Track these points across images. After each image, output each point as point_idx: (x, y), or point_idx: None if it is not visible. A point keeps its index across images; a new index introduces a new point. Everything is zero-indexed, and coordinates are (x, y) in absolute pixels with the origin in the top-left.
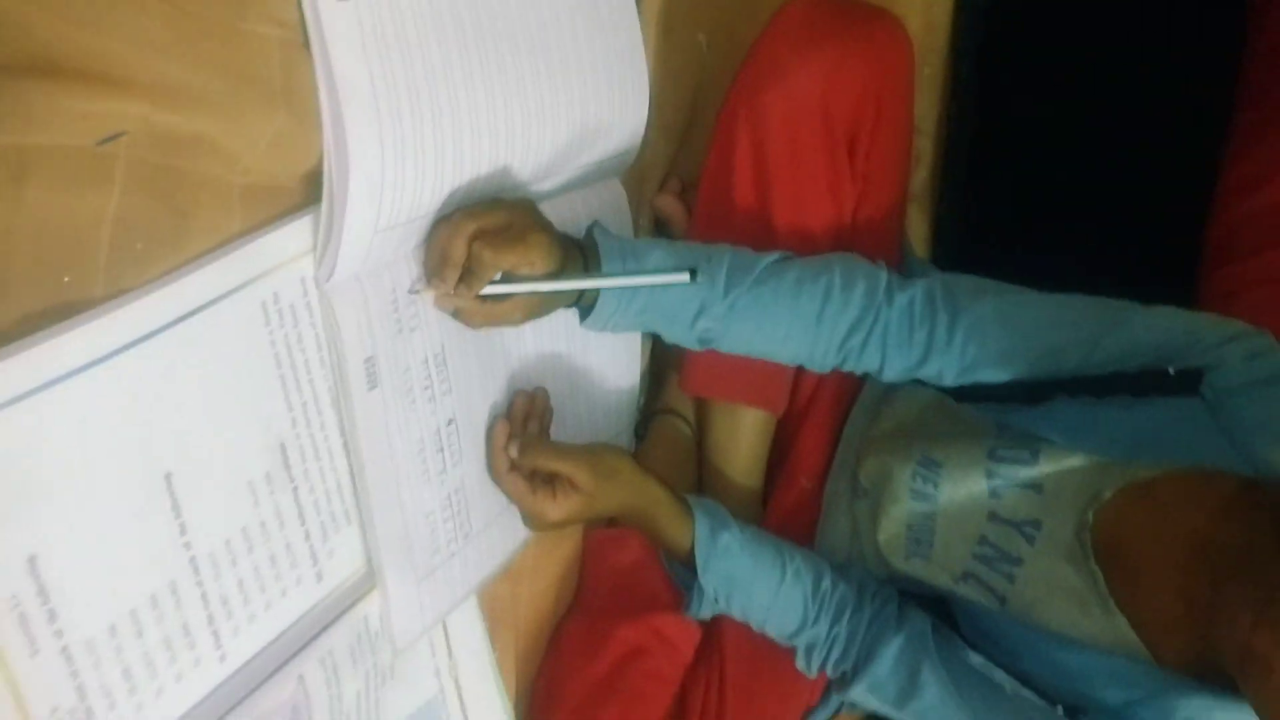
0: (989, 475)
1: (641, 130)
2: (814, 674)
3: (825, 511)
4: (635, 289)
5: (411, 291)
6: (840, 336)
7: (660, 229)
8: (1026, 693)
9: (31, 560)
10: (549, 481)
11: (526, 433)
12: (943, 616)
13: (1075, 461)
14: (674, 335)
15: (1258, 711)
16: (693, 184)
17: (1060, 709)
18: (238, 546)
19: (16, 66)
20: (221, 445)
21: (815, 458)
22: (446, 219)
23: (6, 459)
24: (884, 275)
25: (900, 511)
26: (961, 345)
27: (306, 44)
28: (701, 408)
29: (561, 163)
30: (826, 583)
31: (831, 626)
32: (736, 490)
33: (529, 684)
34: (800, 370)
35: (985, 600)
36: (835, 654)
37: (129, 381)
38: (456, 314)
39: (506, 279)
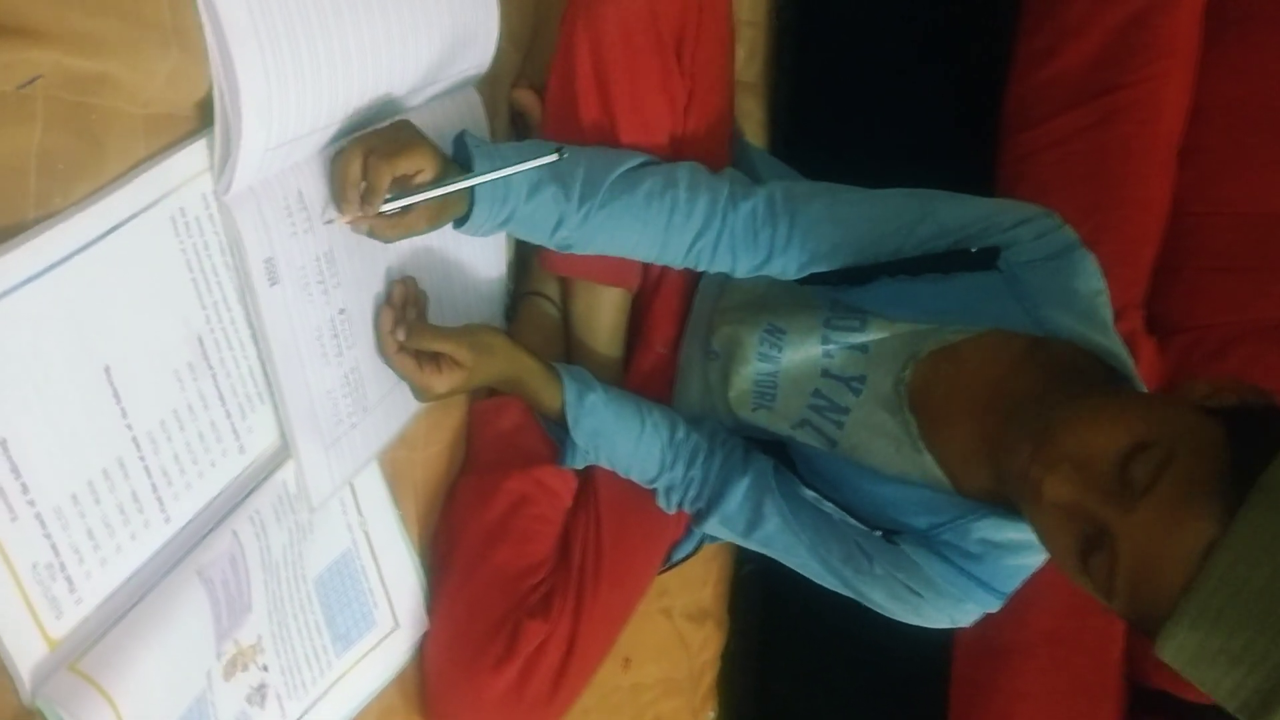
0: (824, 340)
1: (494, 42)
2: (672, 511)
3: (680, 374)
4: (505, 197)
5: (325, 222)
6: (686, 244)
7: (516, 125)
8: (851, 520)
9: (4, 443)
10: (434, 359)
11: (407, 318)
12: (782, 459)
13: (897, 329)
14: (536, 241)
15: (1032, 525)
16: (541, 88)
17: (879, 533)
18: (171, 426)
19: None
20: (148, 341)
21: (667, 327)
22: (338, 150)
23: None
24: (726, 186)
25: (748, 371)
26: (800, 244)
27: None
28: (565, 287)
29: (426, 78)
30: (681, 433)
31: (687, 470)
32: (600, 359)
33: (430, 535)
34: None
35: (818, 443)
36: (691, 493)
37: (67, 289)
38: (371, 233)
39: (403, 194)
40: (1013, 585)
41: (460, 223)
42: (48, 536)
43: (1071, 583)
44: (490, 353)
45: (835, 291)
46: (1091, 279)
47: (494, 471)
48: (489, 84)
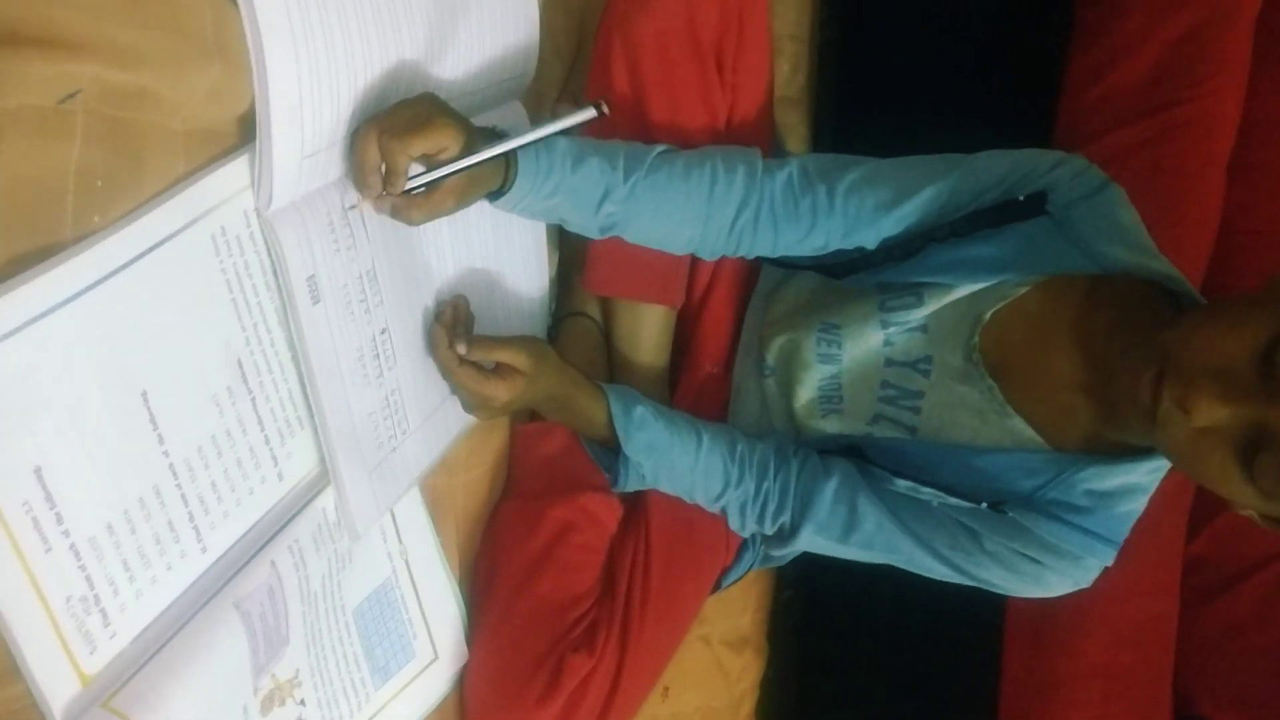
0: (884, 325)
1: (535, 53)
2: (748, 531)
3: (735, 393)
4: (550, 168)
5: (349, 208)
6: (730, 215)
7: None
8: (952, 500)
9: (38, 471)
10: (492, 371)
11: (458, 336)
12: (858, 461)
13: (955, 295)
14: (579, 222)
15: (1172, 454)
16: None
17: (984, 505)
18: (209, 452)
19: None
20: (187, 364)
21: (716, 345)
22: (353, 132)
23: (9, 384)
24: (759, 157)
25: (811, 377)
26: (842, 207)
27: (234, 0)
28: (607, 306)
29: (465, 86)
30: (742, 446)
31: (760, 483)
32: (645, 380)
33: (471, 563)
34: (694, 266)
35: (898, 434)
36: (772, 507)
37: (104, 312)
38: (394, 214)
39: (426, 171)
40: (1124, 533)
41: (496, 195)
42: (82, 568)
43: (1225, 506)
44: (545, 360)
45: (881, 273)
46: (1129, 210)
47: (538, 498)
48: (533, 97)
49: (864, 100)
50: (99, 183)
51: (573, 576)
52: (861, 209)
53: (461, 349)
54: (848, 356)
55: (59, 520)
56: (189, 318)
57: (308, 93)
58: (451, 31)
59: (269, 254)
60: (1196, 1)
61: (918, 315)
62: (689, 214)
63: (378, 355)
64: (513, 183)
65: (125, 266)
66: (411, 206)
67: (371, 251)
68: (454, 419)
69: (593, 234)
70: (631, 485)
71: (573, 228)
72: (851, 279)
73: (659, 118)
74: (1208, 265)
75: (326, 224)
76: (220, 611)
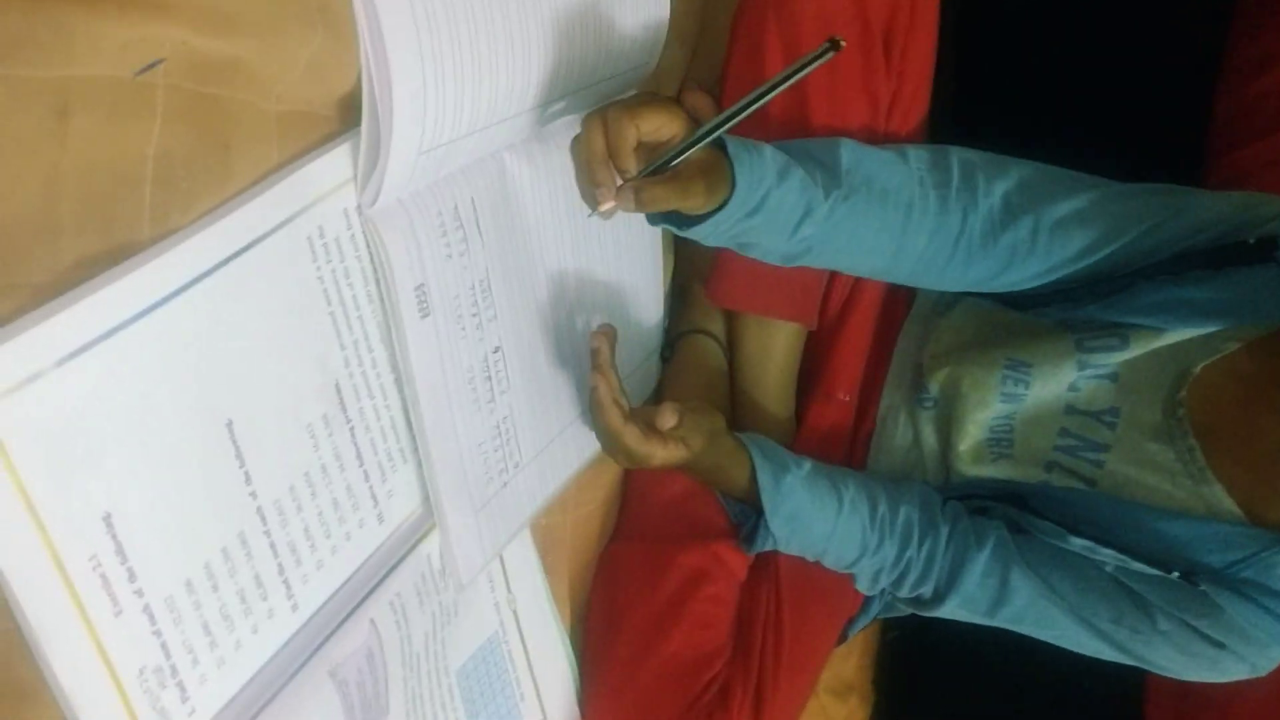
0: (1079, 366)
1: (663, 37)
2: (874, 593)
3: (881, 426)
4: (760, 178)
5: (588, 216)
6: (920, 246)
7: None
8: (1135, 565)
9: (107, 519)
10: (653, 431)
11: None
12: (1019, 509)
13: (1162, 341)
14: (768, 247)
15: None
16: (713, 89)
17: (1176, 574)
18: (301, 492)
19: None
20: (279, 389)
21: (851, 372)
22: (575, 139)
23: (73, 416)
24: (955, 178)
25: (984, 415)
26: (1045, 247)
27: None
28: (732, 322)
29: (590, 73)
30: (884, 508)
31: (901, 551)
32: (769, 405)
33: (579, 611)
34: (830, 284)
35: (1075, 484)
36: (913, 576)
37: (184, 327)
38: (639, 201)
39: (668, 153)
40: None
41: (686, 224)
42: (157, 634)
43: None
44: (713, 440)
45: (1079, 309)
46: None
47: (663, 543)
48: (654, 84)
49: (987, 94)
50: (180, 171)
51: (704, 633)
52: (1066, 250)
53: (625, 402)
54: (1031, 397)
55: (131, 577)
56: (281, 334)
57: (431, 78)
58: (580, 14)
59: (371, 260)
60: None
61: (1119, 358)
62: (880, 244)
63: (489, 377)
64: (733, 186)
65: (209, 273)
66: (658, 187)
67: (486, 259)
68: (572, 451)
69: (774, 260)
70: (765, 549)
71: (756, 253)
72: (1038, 312)
73: (815, 106)
74: None
75: (437, 225)
76: (313, 681)
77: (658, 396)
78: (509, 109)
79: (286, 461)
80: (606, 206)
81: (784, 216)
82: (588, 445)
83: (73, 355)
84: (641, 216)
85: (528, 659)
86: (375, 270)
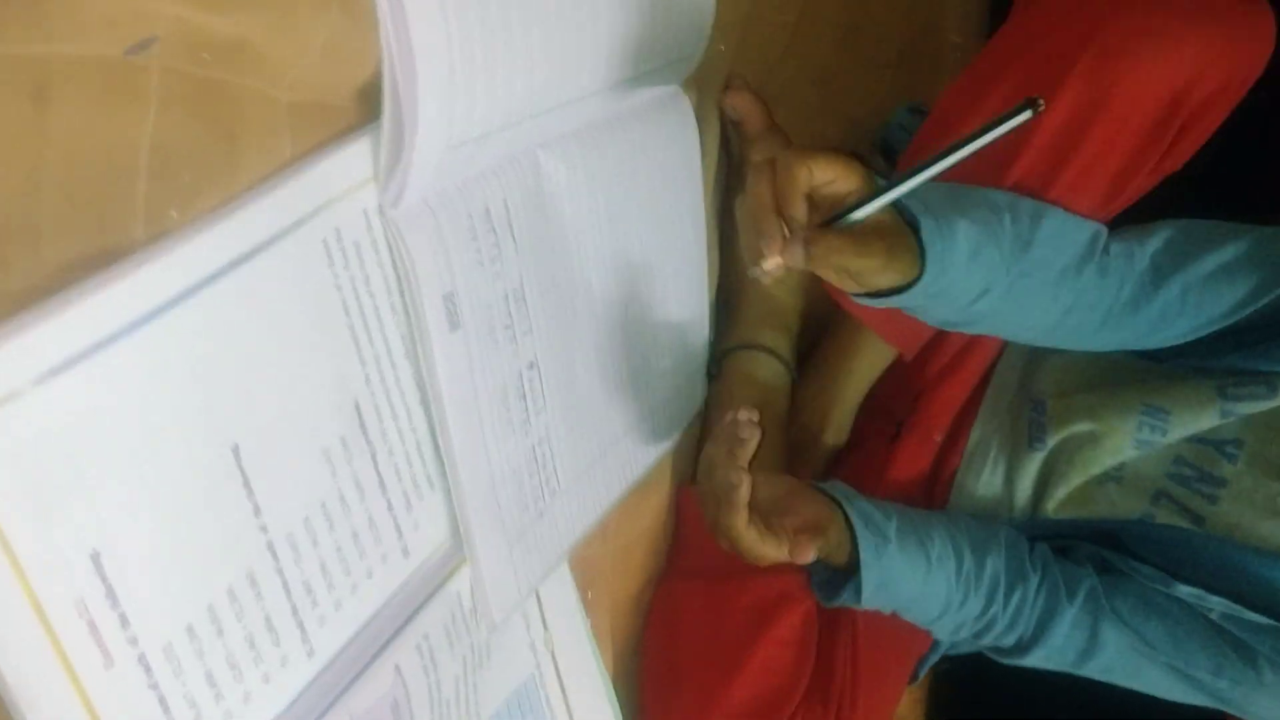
0: (1222, 415)
1: (709, 23)
2: (953, 642)
3: (969, 463)
4: (951, 263)
5: (759, 272)
6: (1075, 323)
7: (727, 135)
8: (1248, 615)
9: (95, 557)
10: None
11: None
12: (1113, 550)
13: None
14: (936, 316)
15: None
16: (758, 87)
17: None
18: (317, 524)
19: None
20: (291, 409)
21: (949, 413)
22: (741, 196)
23: (57, 440)
24: (1103, 236)
25: (1110, 460)
26: (1195, 306)
27: None
28: (830, 340)
29: (631, 60)
30: (969, 562)
31: (987, 607)
32: (832, 429)
33: (623, 652)
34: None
35: (1180, 522)
36: (997, 629)
37: (182, 340)
38: (809, 255)
39: (852, 207)
40: None
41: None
42: (154, 687)
43: None
44: (824, 532)
45: (1223, 359)
46: None
47: (724, 580)
48: (694, 86)
49: None
50: (178, 164)
51: (773, 680)
52: (1217, 306)
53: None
54: (1165, 445)
55: (123, 623)
56: (293, 348)
57: (460, 61)
58: None
59: (394, 266)
60: None
61: (1266, 405)
62: (1042, 321)
63: (524, 396)
64: (921, 268)
65: (211, 279)
66: (834, 238)
67: (520, 266)
68: (614, 476)
69: (932, 324)
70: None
71: (917, 315)
72: (1177, 362)
73: (1062, 176)
74: None
75: (467, 229)
76: None
77: (705, 416)
78: (544, 101)
79: (300, 490)
80: (772, 262)
81: (963, 297)
82: (631, 469)
83: (55, 372)
84: (685, 218)
85: (566, 704)
86: (398, 277)
